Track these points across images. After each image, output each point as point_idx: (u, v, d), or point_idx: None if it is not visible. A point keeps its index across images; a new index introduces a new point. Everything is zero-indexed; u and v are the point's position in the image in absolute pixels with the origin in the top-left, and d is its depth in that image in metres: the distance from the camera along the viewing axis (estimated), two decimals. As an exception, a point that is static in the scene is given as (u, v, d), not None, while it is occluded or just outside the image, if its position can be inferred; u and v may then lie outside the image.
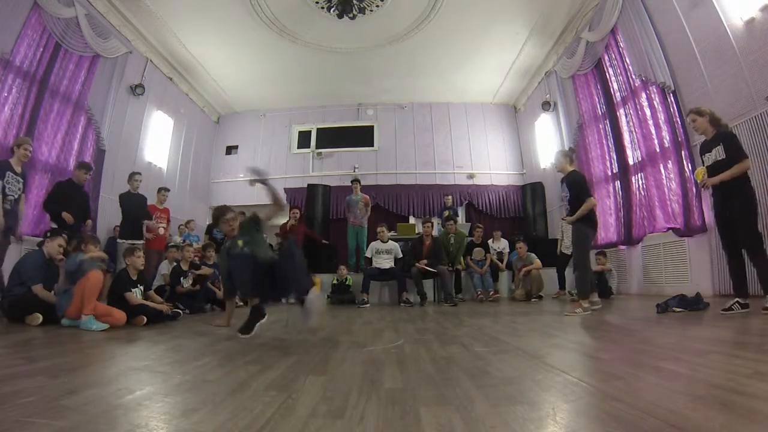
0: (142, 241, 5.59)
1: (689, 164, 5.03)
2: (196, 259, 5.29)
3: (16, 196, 4.03)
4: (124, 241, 5.38)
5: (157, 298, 4.04)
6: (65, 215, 4.43)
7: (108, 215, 6.48)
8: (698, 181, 3.41)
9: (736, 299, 3.10)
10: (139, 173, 5.91)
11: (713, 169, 3.18)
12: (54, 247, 3.72)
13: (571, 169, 3.96)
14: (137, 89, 7.38)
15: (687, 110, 4.95)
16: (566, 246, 6.25)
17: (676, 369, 1.45)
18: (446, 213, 8.14)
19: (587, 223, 3.83)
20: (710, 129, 3.25)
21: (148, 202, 6.01)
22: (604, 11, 6.28)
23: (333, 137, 10.43)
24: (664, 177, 5.50)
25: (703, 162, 3.36)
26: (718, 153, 3.14)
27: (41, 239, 4.06)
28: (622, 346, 2.13)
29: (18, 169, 4.05)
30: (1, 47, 4.73)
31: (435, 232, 6.70)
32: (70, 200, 4.63)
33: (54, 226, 4.42)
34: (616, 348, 2.05)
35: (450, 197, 8.71)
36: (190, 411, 1.08)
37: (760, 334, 2.21)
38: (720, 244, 4.51)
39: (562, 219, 4.24)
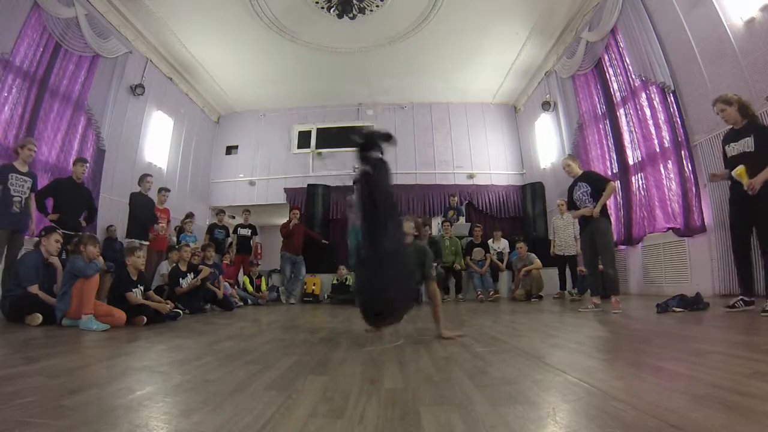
0: (147, 242, 5.71)
1: (689, 164, 5.02)
2: (196, 259, 5.27)
3: (26, 196, 4.06)
4: (133, 240, 5.46)
5: (158, 297, 4.03)
6: (51, 216, 4.49)
7: (108, 215, 6.48)
8: (742, 182, 2.97)
9: (741, 296, 3.07)
10: (150, 175, 6.06)
11: (736, 160, 3.03)
12: (51, 243, 3.72)
13: (580, 171, 4.31)
14: (137, 89, 7.38)
15: (686, 109, 5.03)
16: (559, 246, 6.24)
17: (676, 369, 1.46)
18: (451, 212, 8.17)
19: (609, 219, 4.00)
20: (740, 118, 3.11)
21: (149, 202, 6.03)
22: (604, 11, 6.28)
23: (333, 137, 10.42)
24: (664, 177, 5.50)
25: (724, 151, 3.23)
26: (746, 144, 3.01)
27: (37, 239, 4.07)
28: (622, 346, 2.13)
29: (24, 169, 4.08)
30: (1, 47, 4.73)
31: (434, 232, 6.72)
32: (67, 197, 4.64)
33: (51, 223, 4.42)
34: (615, 348, 2.05)
35: (456, 197, 8.71)
36: (190, 411, 1.08)
37: (760, 334, 2.21)
38: (718, 243, 4.59)
39: (573, 215, 4.41)
